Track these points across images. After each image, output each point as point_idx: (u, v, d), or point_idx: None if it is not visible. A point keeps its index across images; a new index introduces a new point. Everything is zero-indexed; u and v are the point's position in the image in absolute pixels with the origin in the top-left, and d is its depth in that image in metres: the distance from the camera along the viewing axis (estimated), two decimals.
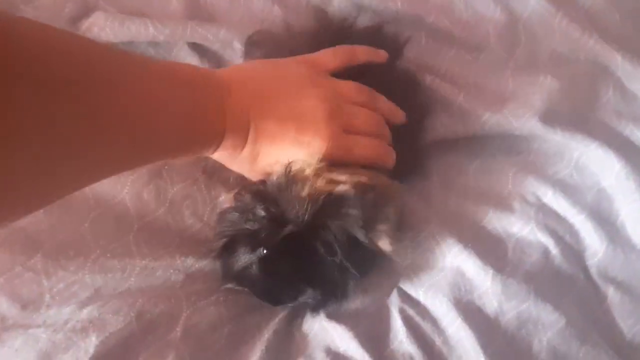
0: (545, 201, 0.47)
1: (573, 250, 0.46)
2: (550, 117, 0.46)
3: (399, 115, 0.45)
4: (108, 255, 0.43)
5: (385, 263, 0.42)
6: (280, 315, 0.45)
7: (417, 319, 0.43)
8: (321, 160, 0.39)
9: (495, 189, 0.48)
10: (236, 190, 0.43)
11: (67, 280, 0.40)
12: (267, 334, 0.44)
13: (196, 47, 0.47)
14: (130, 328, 0.38)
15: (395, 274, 0.45)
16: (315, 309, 0.43)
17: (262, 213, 0.38)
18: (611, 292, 0.45)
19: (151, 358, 0.39)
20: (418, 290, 0.44)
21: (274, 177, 0.38)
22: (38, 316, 0.38)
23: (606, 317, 0.44)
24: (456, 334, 0.42)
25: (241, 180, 0.47)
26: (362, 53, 0.44)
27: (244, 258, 0.39)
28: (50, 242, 0.41)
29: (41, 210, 0.41)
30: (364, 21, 0.51)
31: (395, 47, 0.49)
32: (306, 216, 0.36)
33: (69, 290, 0.40)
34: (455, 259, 0.44)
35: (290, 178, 0.37)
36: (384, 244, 0.39)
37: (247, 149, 0.39)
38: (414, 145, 0.46)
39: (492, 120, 0.47)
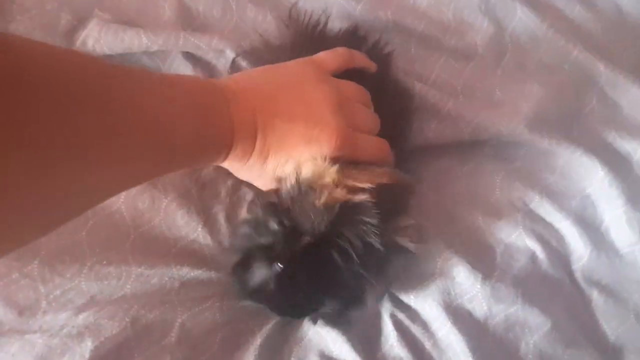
0: (532, 207, 0.49)
1: (559, 255, 0.47)
2: (537, 124, 0.48)
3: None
4: (104, 262, 0.44)
5: (378, 268, 0.44)
6: (274, 320, 0.46)
7: (407, 322, 0.44)
8: (331, 159, 0.38)
9: (484, 194, 0.50)
10: (249, 201, 0.43)
11: (64, 287, 0.41)
12: (260, 339, 0.45)
13: (189, 57, 0.48)
14: (125, 333, 0.40)
15: (387, 278, 0.46)
16: (332, 319, 0.43)
17: (276, 226, 0.37)
18: (596, 296, 0.46)
19: None
20: (409, 294, 0.46)
21: (287, 185, 0.38)
22: (34, 322, 0.39)
23: (591, 319, 0.46)
24: (446, 337, 0.43)
25: (234, 191, 0.48)
26: (359, 59, 0.45)
27: (260, 274, 0.38)
28: (47, 249, 0.42)
29: None
30: (335, 25, 0.52)
31: (370, 47, 0.50)
32: (322, 226, 0.36)
33: (65, 296, 0.41)
34: (445, 264, 0.46)
35: (305, 186, 0.37)
36: (406, 243, 0.40)
37: (256, 152, 0.39)
38: (403, 150, 0.47)
39: (480, 126, 0.49)
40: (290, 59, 0.42)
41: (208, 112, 0.35)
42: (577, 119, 0.50)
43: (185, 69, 0.49)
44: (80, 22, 0.48)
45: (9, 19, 0.48)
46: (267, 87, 0.39)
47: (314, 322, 0.44)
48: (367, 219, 0.37)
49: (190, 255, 0.48)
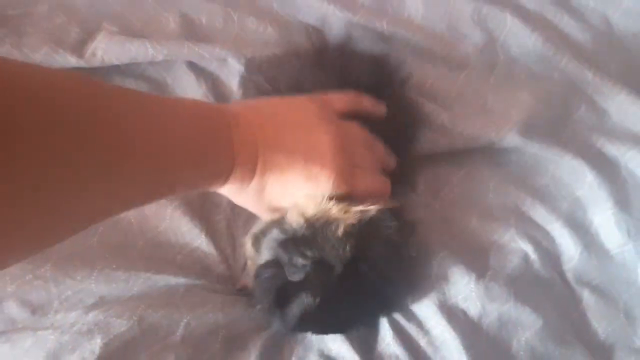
0: (524, 209, 0.51)
1: (550, 255, 0.49)
2: (527, 130, 0.50)
3: (391, 162, 0.47)
4: (113, 267, 0.47)
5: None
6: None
7: (403, 322, 0.46)
8: (330, 197, 0.40)
9: (478, 198, 0.52)
10: (253, 237, 0.44)
11: (74, 288, 0.43)
12: (261, 340, 0.47)
13: (193, 67, 0.51)
14: (132, 331, 0.42)
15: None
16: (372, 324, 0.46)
17: (304, 262, 0.39)
18: (586, 295, 0.48)
19: (152, 359, 0.42)
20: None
21: (298, 221, 0.40)
22: (47, 320, 0.41)
23: (581, 318, 0.48)
24: (441, 335, 0.45)
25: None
26: (368, 103, 0.47)
27: (299, 308, 0.40)
28: (59, 254, 0.44)
29: None
30: (361, 46, 0.55)
31: (394, 77, 0.52)
32: (348, 254, 0.38)
33: (76, 297, 0.43)
34: (440, 265, 0.48)
35: (320, 221, 0.39)
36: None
37: (254, 181, 0.39)
38: (401, 159, 0.50)
39: (473, 134, 0.51)
40: (309, 74, 0.44)
41: (210, 138, 0.36)
42: (567, 126, 0.52)
43: (188, 78, 0.52)
44: (88, 35, 0.51)
45: (21, 32, 0.51)
46: (272, 120, 0.40)
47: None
48: (391, 224, 0.40)
49: (194, 262, 0.50)
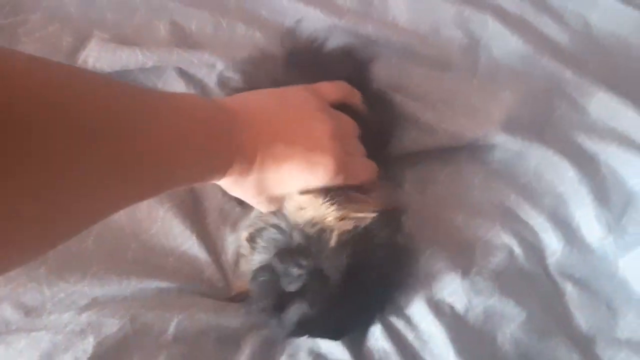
0: (508, 205, 0.52)
1: (534, 250, 0.51)
2: (509, 128, 0.52)
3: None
4: (106, 270, 0.48)
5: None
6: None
7: (391, 317, 0.47)
8: (324, 191, 0.41)
9: (464, 195, 0.53)
10: (248, 234, 0.45)
11: (68, 290, 0.44)
12: (253, 339, 0.48)
13: (182, 73, 0.52)
14: (124, 330, 0.43)
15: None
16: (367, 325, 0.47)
17: (299, 272, 0.39)
18: (569, 288, 0.50)
19: (144, 358, 0.43)
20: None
21: (295, 222, 0.41)
22: (40, 321, 0.42)
23: (565, 310, 0.49)
24: (428, 329, 0.46)
25: (224, 203, 0.51)
26: (355, 94, 0.48)
27: (295, 315, 0.41)
28: (53, 257, 0.45)
29: None
30: (332, 43, 0.57)
31: (364, 67, 0.54)
32: (344, 264, 0.39)
33: (69, 298, 0.44)
34: (427, 261, 0.49)
35: (314, 231, 0.40)
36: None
37: (254, 172, 0.40)
38: (384, 158, 0.51)
39: (457, 133, 0.53)
40: (283, 74, 0.45)
41: (210, 132, 0.36)
42: (548, 123, 0.54)
43: (178, 84, 0.53)
44: (81, 42, 0.52)
45: (16, 41, 0.52)
46: (270, 110, 0.41)
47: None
48: (381, 236, 0.41)
49: (186, 264, 0.51)
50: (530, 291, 0.49)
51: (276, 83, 0.46)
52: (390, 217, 0.44)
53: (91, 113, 0.26)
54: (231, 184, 0.41)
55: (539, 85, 0.55)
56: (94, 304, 0.44)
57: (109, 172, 0.28)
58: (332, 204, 0.41)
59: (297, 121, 0.41)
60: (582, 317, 0.49)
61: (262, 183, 0.41)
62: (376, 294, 0.45)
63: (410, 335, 0.46)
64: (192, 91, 0.53)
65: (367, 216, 0.41)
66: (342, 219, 0.40)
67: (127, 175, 0.29)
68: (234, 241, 0.50)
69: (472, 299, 0.47)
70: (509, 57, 0.57)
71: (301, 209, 0.42)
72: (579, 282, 0.50)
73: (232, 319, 0.49)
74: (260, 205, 0.44)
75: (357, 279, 0.41)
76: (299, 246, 0.41)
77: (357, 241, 0.40)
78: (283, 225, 0.43)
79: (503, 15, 0.58)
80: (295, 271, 0.40)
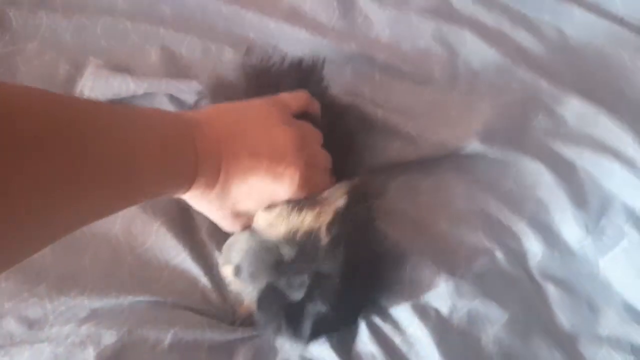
0: (490, 212, 0.55)
1: (516, 253, 0.53)
2: (487, 138, 0.55)
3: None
4: (105, 284, 0.50)
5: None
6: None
7: (379, 322, 0.50)
8: (294, 206, 0.42)
9: (446, 203, 0.56)
10: (232, 268, 0.45)
11: (68, 304, 0.47)
12: (245, 348, 0.51)
13: (173, 99, 0.56)
14: (123, 341, 0.45)
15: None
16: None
17: (301, 279, 0.41)
18: (551, 290, 0.52)
19: None
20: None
21: (285, 249, 0.42)
22: (42, 333, 0.45)
23: (547, 311, 0.51)
24: (414, 333, 0.49)
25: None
26: (316, 105, 0.51)
27: (311, 320, 0.42)
28: (54, 273, 0.48)
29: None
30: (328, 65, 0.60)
31: (319, 77, 0.56)
32: (341, 255, 0.41)
33: (70, 312, 0.47)
34: (412, 267, 0.52)
35: (302, 234, 0.41)
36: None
37: (218, 186, 0.40)
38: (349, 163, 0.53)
39: (438, 144, 0.56)
40: (246, 95, 0.47)
41: (173, 146, 0.37)
42: (526, 132, 0.57)
43: (169, 110, 0.56)
44: (77, 70, 0.56)
45: (14, 70, 0.56)
46: (234, 123, 0.42)
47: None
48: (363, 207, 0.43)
49: (180, 278, 0.53)
50: (513, 293, 0.51)
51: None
52: (359, 193, 0.45)
53: (37, 123, 0.27)
54: (198, 197, 0.41)
55: (517, 96, 0.58)
56: (93, 316, 0.47)
57: (62, 182, 0.28)
58: (301, 210, 0.42)
59: (261, 133, 0.42)
60: (565, 317, 0.51)
61: (228, 195, 0.41)
62: (373, 271, 0.46)
63: (397, 339, 0.49)
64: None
65: (339, 200, 0.42)
66: (319, 214, 0.41)
67: (95, 185, 0.30)
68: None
69: (456, 302, 0.50)
70: (487, 69, 0.60)
71: (271, 225, 0.42)
72: (560, 283, 0.52)
73: (225, 333, 0.51)
74: (224, 221, 0.45)
75: (354, 265, 0.42)
76: (293, 258, 0.42)
77: (345, 226, 0.41)
78: (266, 245, 0.43)
79: (480, 29, 0.61)
80: (297, 280, 0.41)
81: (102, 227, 0.52)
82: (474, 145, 0.55)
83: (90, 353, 0.44)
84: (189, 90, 0.55)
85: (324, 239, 0.41)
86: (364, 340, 0.49)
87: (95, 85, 0.54)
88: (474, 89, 0.60)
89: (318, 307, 0.42)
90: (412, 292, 0.51)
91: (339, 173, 0.49)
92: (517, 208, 0.55)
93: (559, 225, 0.54)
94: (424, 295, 0.50)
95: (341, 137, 0.52)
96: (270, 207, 0.43)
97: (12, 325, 0.45)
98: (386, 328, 0.50)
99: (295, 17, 0.64)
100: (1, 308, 0.46)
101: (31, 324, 0.46)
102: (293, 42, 0.62)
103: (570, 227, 0.53)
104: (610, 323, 0.51)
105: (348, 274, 0.42)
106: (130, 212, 0.53)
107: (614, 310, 0.51)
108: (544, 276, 0.53)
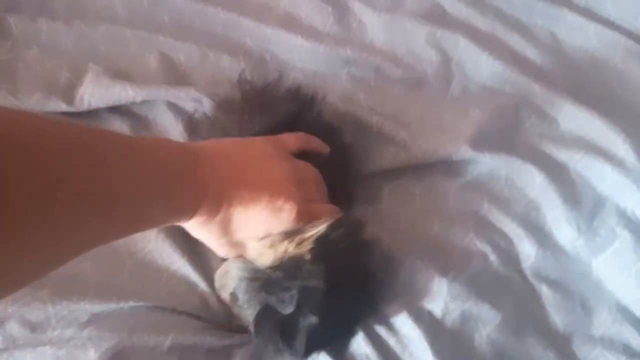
0: (482, 214, 0.56)
1: (509, 255, 0.54)
2: (478, 144, 0.56)
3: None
4: (105, 288, 0.52)
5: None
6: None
7: (375, 324, 0.51)
8: (285, 233, 0.44)
9: (439, 206, 0.57)
10: (229, 296, 0.49)
11: (70, 307, 0.49)
12: (242, 352, 0.52)
13: (172, 106, 0.57)
14: (123, 343, 0.47)
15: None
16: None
17: (290, 293, 0.43)
18: (545, 290, 0.53)
19: None
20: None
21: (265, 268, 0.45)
22: (45, 337, 0.47)
23: (541, 311, 0.52)
24: (408, 334, 0.50)
25: None
26: (315, 142, 0.52)
27: (304, 332, 0.45)
28: (55, 278, 0.49)
29: None
30: (324, 70, 0.61)
31: (314, 104, 0.57)
32: (323, 269, 0.43)
33: (72, 315, 0.48)
34: (406, 270, 0.53)
35: (287, 259, 0.44)
36: None
37: (220, 216, 0.42)
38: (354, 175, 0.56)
39: (431, 149, 0.57)
40: (241, 112, 0.49)
41: (177, 176, 0.38)
42: (518, 134, 0.58)
43: (168, 116, 0.57)
44: (77, 77, 0.57)
45: (15, 77, 0.57)
46: (236, 158, 0.44)
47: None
48: (340, 236, 0.45)
49: (179, 283, 0.55)
50: (506, 294, 0.52)
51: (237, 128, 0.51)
52: (341, 221, 0.47)
53: (66, 158, 0.28)
54: (198, 226, 0.43)
55: (509, 99, 0.59)
56: (94, 320, 0.49)
57: (84, 212, 0.29)
58: (288, 239, 0.44)
59: (261, 167, 0.45)
60: (558, 317, 0.52)
61: (228, 225, 0.43)
62: (360, 289, 0.49)
63: (391, 341, 0.50)
64: (179, 123, 0.57)
65: (320, 228, 0.45)
66: (299, 243, 0.44)
67: (100, 215, 0.31)
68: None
69: (449, 304, 0.51)
70: (480, 74, 0.61)
71: (261, 255, 0.45)
72: (554, 284, 0.53)
73: (223, 337, 0.52)
74: (220, 249, 0.47)
75: (339, 278, 0.45)
76: (280, 277, 0.44)
77: (326, 247, 0.44)
78: (257, 274, 0.46)
79: (473, 34, 0.63)
80: (286, 295, 0.43)
81: None
82: (465, 151, 0.56)
83: (92, 355, 0.45)
84: (186, 98, 0.56)
85: (307, 259, 0.44)
86: (358, 341, 0.50)
87: (95, 92, 0.56)
88: (468, 93, 0.61)
89: (309, 319, 0.44)
90: (406, 295, 0.52)
91: (338, 184, 0.52)
92: (509, 209, 0.56)
93: (552, 226, 0.55)
94: (418, 297, 0.52)
95: (338, 151, 0.54)
96: (264, 237, 0.45)
97: (15, 328, 0.47)
98: (380, 330, 0.51)
99: (291, 23, 0.65)
100: (4, 312, 0.47)
101: (34, 327, 0.47)
102: (289, 48, 0.63)
103: (562, 228, 0.54)
104: (604, 323, 0.52)
105: (333, 286, 0.44)
106: None
107: (607, 310, 0.52)
108: (537, 277, 0.54)
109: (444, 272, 0.52)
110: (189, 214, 0.40)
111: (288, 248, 0.44)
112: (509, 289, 0.53)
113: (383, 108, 0.60)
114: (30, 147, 0.26)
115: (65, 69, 0.58)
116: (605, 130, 0.56)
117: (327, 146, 0.53)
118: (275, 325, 0.45)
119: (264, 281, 0.45)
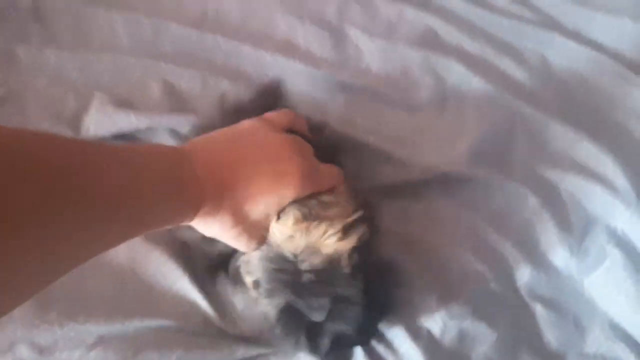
0: (478, 233, 0.58)
1: (504, 274, 0.56)
2: (473, 163, 0.58)
3: None
4: (110, 310, 0.53)
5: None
6: (265, 351, 0.54)
7: (374, 342, 0.52)
8: (300, 203, 0.43)
9: (437, 226, 0.59)
10: (252, 281, 0.47)
11: (77, 329, 0.50)
12: None
13: (173, 134, 0.59)
14: None
15: None
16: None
17: (322, 302, 0.42)
18: (539, 309, 0.55)
19: None
20: None
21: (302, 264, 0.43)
22: (53, 359, 0.48)
23: (535, 330, 0.54)
24: (407, 352, 0.51)
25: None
26: (300, 121, 0.54)
27: (331, 338, 0.44)
28: (63, 301, 0.51)
29: None
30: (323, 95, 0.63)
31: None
32: (361, 284, 0.43)
33: (79, 337, 0.50)
34: (406, 289, 0.55)
35: (324, 259, 0.42)
36: None
37: (226, 203, 0.41)
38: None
39: (427, 165, 0.59)
40: None
41: (175, 178, 0.38)
42: (510, 156, 0.60)
43: (170, 143, 0.59)
44: (83, 106, 0.59)
45: (24, 106, 0.60)
46: (226, 142, 0.44)
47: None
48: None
49: (181, 303, 0.56)
50: (502, 313, 0.54)
51: None
52: (367, 213, 0.47)
53: (62, 167, 0.29)
54: (208, 220, 0.42)
55: (501, 121, 0.61)
56: (101, 341, 0.50)
57: (84, 219, 0.29)
58: (319, 223, 0.42)
59: (254, 142, 0.44)
60: (552, 335, 0.54)
61: (237, 209, 0.42)
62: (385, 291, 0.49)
63: (390, 359, 0.51)
64: None
65: (362, 227, 0.45)
66: (340, 239, 0.42)
67: (102, 221, 0.31)
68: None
69: (447, 322, 0.52)
70: (473, 97, 0.63)
71: (290, 238, 0.43)
72: (548, 302, 0.55)
73: (227, 354, 0.54)
74: (240, 240, 0.44)
75: (372, 288, 0.45)
76: (313, 281, 0.43)
77: (364, 254, 0.44)
78: (284, 265, 0.44)
79: (466, 58, 0.65)
80: (316, 302, 0.42)
81: (107, 255, 0.55)
82: (461, 170, 0.58)
83: None
84: (187, 124, 0.59)
85: (345, 267, 0.43)
86: (359, 359, 0.52)
87: (100, 122, 0.58)
88: (461, 115, 0.63)
89: (338, 327, 0.44)
90: (405, 312, 0.53)
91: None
92: (504, 229, 0.57)
93: (545, 246, 0.56)
94: (417, 316, 0.53)
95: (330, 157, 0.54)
96: (282, 214, 0.43)
97: (24, 352, 0.48)
98: (379, 348, 0.52)
99: (290, 49, 0.67)
100: (14, 335, 0.48)
101: (42, 350, 0.48)
102: (289, 73, 0.65)
103: (555, 248, 0.56)
104: (597, 341, 0.53)
105: (368, 297, 0.45)
106: (133, 240, 0.56)
107: (600, 328, 0.53)
108: (531, 296, 0.55)
109: (443, 291, 0.54)
110: (192, 210, 0.40)
111: (324, 239, 0.42)
112: (504, 308, 0.54)
113: (380, 129, 0.62)
114: (29, 155, 0.27)
115: (71, 98, 0.60)
116: (594, 151, 0.58)
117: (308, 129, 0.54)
118: (300, 323, 0.44)
119: (292, 280, 0.43)
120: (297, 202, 0.44)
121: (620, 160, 0.57)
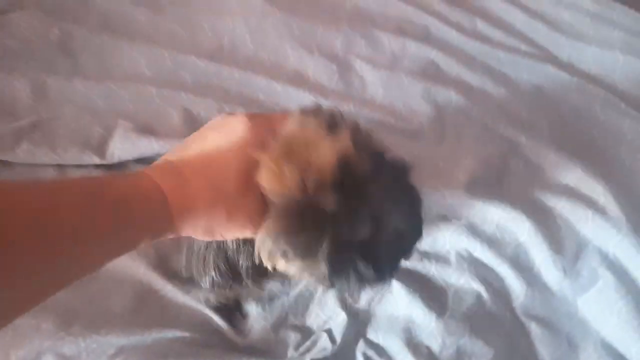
0: (476, 255, 0.61)
1: (500, 294, 0.59)
2: (471, 188, 0.61)
3: None
4: (131, 323, 0.57)
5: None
6: None
7: (375, 357, 0.55)
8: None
9: (436, 247, 0.62)
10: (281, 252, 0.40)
11: (99, 341, 0.54)
12: None
13: None
14: None
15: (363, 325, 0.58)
16: None
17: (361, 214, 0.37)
18: (534, 327, 0.57)
19: None
20: (378, 334, 0.57)
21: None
22: None
23: (530, 347, 0.56)
24: None
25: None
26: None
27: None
28: (85, 315, 0.55)
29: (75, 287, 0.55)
30: None
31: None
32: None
33: (100, 348, 0.53)
34: (406, 307, 0.58)
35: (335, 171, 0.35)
36: None
37: (202, 193, 0.38)
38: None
39: (427, 192, 0.62)
40: None
41: (123, 200, 0.35)
42: (507, 181, 0.63)
43: None
44: (108, 132, 0.64)
45: (54, 134, 0.64)
46: (181, 148, 0.42)
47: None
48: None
49: (194, 314, 0.59)
50: (498, 331, 0.57)
51: None
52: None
53: (47, 209, 0.30)
54: (200, 224, 0.39)
55: (498, 150, 0.65)
56: (121, 352, 0.54)
57: (73, 245, 0.30)
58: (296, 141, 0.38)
59: (204, 130, 0.42)
60: (547, 353, 0.56)
61: (212, 188, 0.39)
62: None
63: None
64: None
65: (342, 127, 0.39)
66: (331, 140, 0.37)
67: (87, 247, 0.32)
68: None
69: (445, 340, 0.55)
70: (471, 126, 0.67)
71: (279, 175, 0.37)
72: (542, 321, 0.57)
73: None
74: (235, 222, 0.40)
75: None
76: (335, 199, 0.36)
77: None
78: (294, 209, 0.37)
79: (465, 89, 0.69)
80: (356, 217, 0.37)
81: (127, 271, 0.59)
82: (460, 195, 0.61)
83: None
84: None
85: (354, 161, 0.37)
86: None
87: (124, 147, 0.62)
88: (460, 143, 0.66)
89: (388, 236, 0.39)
90: (406, 330, 0.56)
91: None
92: (501, 252, 0.60)
93: (539, 267, 0.59)
94: (417, 334, 0.56)
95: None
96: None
97: None
98: None
99: (299, 80, 0.72)
100: (41, 346, 0.52)
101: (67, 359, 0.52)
102: (298, 102, 0.70)
103: (549, 269, 0.59)
104: (590, 358, 0.55)
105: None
106: (150, 256, 0.60)
107: (592, 347, 0.56)
108: (526, 315, 0.58)
109: (442, 309, 0.57)
110: (168, 224, 0.37)
111: (312, 141, 0.37)
112: (500, 326, 0.57)
113: None
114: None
115: (97, 125, 0.65)
116: (586, 178, 0.61)
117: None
118: (352, 253, 0.39)
119: (315, 216, 0.37)
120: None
121: (611, 187, 0.60)
